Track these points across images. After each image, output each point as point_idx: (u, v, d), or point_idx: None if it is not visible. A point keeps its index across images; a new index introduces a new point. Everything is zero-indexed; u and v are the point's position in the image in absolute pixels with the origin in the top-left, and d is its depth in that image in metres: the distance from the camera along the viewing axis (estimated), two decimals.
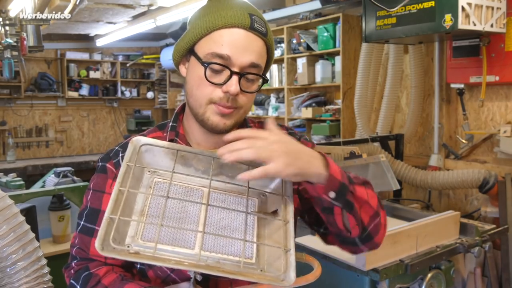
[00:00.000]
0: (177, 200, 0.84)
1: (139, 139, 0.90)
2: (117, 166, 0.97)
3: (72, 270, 0.95)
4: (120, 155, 0.99)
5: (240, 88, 0.91)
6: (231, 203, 0.87)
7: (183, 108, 1.06)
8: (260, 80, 0.96)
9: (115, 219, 0.74)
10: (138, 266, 0.99)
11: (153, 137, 0.99)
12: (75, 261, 0.96)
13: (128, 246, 0.74)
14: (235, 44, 0.90)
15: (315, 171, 0.82)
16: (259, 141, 0.80)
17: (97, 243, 0.70)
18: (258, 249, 0.78)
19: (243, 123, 1.06)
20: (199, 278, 0.80)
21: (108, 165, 0.99)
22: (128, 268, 0.98)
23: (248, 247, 0.78)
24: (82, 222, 0.97)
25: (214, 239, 0.79)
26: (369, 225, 0.93)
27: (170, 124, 1.04)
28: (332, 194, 0.84)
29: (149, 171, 0.88)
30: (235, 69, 0.90)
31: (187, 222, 0.81)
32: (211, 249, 0.78)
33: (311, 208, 0.99)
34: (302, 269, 0.85)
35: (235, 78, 0.90)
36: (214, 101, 0.92)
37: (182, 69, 1.00)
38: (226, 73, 0.91)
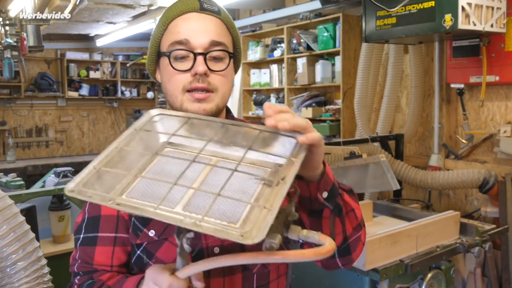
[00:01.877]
0: (179, 165, 0.77)
1: (154, 110, 0.88)
2: None
3: (76, 286, 0.92)
4: None
5: (209, 68, 0.92)
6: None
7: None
8: (229, 58, 0.95)
9: (97, 169, 0.72)
10: (132, 272, 0.95)
11: None
12: (78, 277, 0.93)
13: (110, 200, 0.69)
14: (190, 27, 0.92)
15: (320, 159, 0.81)
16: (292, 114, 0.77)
17: (69, 185, 0.68)
18: (247, 216, 0.68)
19: (230, 118, 1.04)
20: (187, 248, 0.72)
21: None
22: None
23: (236, 212, 0.68)
24: (81, 235, 0.94)
25: (200, 201, 0.71)
26: (351, 237, 0.92)
27: None
28: (325, 194, 0.83)
29: (162, 141, 0.84)
30: (198, 51, 0.91)
31: (178, 181, 0.74)
32: (193, 210, 0.69)
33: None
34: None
35: (200, 58, 0.91)
36: (186, 88, 0.92)
37: (158, 76, 1.02)
38: (191, 57, 0.92)
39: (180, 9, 0.94)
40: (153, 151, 0.81)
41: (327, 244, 0.67)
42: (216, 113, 0.95)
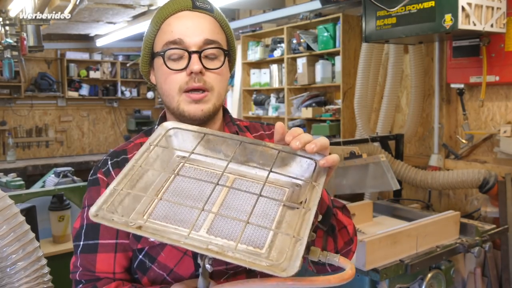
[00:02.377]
0: (197, 183, 0.78)
1: (168, 123, 0.86)
2: (107, 174, 0.94)
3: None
4: (109, 163, 0.96)
5: (204, 67, 0.91)
6: (256, 190, 0.79)
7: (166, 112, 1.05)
8: (224, 56, 0.95)
9: (118, 190, 0.71)
10: (135, 276, 0.94)
11: (139, 143, 0.98)
12: (80, 285, 0.90)
13: (131, 222, 0.69)
14: (184, 26, 0.91)
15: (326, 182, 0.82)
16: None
17: (92, 209, 0.67)
18: (273, 240, 0.70)
19: (228, 118, 1.04)
20: (209, 268, 0.71)
21: (98, 175, 0.96)
22: (133, 281, 0.93)
23: (261, 236, 0.70)
24: (81, 242, 0.92)
25: (224, 224, 0.72)
26: (342, 250, 0.95)
27: (155, 128, 1.02)
28: (319, 217, 0.84)
29: (178, 156, 0.84)
30: (192, 49, 0.90)
31: (199, 203, 0.75)
32: (218, 234, 0.71)
33: None
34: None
35: (194, 56, 0.90)
36: (183, 88, 0.91)
37: (152, 78, 1.00)
38: (186, 56, 0.91)
39: (172, 8, 0.93)
40: (171, 169, 0.81)
41: (349, 269, 0.69)
42: (213, 113, 0.94)
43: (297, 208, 0.74)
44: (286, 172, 0.81)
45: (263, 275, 0.64)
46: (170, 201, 0.74)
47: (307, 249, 0.73)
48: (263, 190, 0.75)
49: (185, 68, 0.91)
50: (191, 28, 0.91)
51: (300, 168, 0.81)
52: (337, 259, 0.73)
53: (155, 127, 1.01)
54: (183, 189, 0.78)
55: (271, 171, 0.78)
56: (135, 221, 0.70)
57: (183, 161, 0.83)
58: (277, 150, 0.81)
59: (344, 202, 2.58)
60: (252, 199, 0.75)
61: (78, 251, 0.92)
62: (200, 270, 0.75)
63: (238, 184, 0.80)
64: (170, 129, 0.85)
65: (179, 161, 0.83)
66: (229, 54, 0.99)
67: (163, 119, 1.04)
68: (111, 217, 0.68)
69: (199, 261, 0.72)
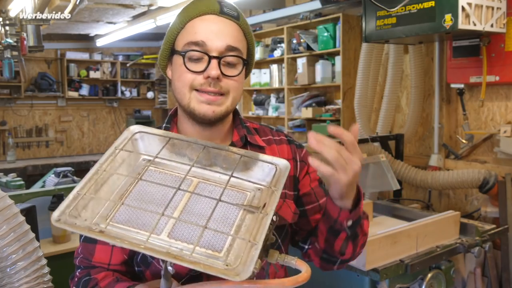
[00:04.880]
0: (161, 187, 0.80)
1: (134, 127, 0.88)
2: None
3: (76, 279, 0.96)
4: None
5: (222, 73, 0.91)
6: (218, 194, 0.80)
7: (176, 110, 1.07)
8: (242, 64, 0.96)
9: (81, 195, 0.72)
10: (137, 269, 0.98)
11: None
12: (79, 270, 0.97)
13: (94, 225, 0.71)
14: (208, 29, 0.92)
15: (351, 197, 0.88)
16: (345, 152, 0.79)
17: (55, 214, 0.69)
18: (231, 244, 0.72)
19: (238, 121, 1.05)
20: (171, 270, 0.73)
21: None
22: (130, 273, 0.97)
23: (220, 240, 0.72)
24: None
25: (184, 228, 0.74)
26: (358, 254, 1.03)
27: (164, 125, 1.04)
28: (349, 223, 0.90)
29: (143, 160, 0.85)
30: (213, 54, 0.91)
31: (161, 207, 0.76)
32: (179, 238, 0.72)
33: (305, 227, 1.06)
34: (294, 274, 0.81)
35: (214, 62, 0.91)
36: (195, 87, 0.92)
37: (169, 73, 1.01)
38: (205, 60, 0.91)
39: (199, 9, 0.94)
40: (135, 173, 0.83)
41: (304, 272, 0.72)
42: (224, 116, 0.96)
43: (259, 215, 0.76)
44: (248, 176, 0.84)
45: (221, 278, 0.66)
46: (132, 206, 0.75)
47: (266, 252, 0.75)
48: (224, 195, 0.78)
49: (202, 71, 0.91)
50: (214, 32, 0.92)
51: (262, 172, 0.84)
52: (294, 262, 0.76)
53: (163, 125, 1.04)
54: (146, 193, 0.79)
55: (231, 176, 0.81)
56: (98, 225, 0.71)
57: (148, 165, 0.84)
58: (239, 154, 0.84)
59: None
60: (213, 203, 0.77)
61: (81, 240, 0.97)
62: (162, 272, 0.77)
63: (201, 188, 0.82)
64: (136, 132, 0.87)
65: (145, 164, 0.85)
66: (248, 63, 0.99)
67: (173, 117, 1.06)
68: (73, 222, 0.70)
69: (161, 263, 0.75)
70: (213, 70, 0.90)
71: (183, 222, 0.74)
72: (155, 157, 0.82)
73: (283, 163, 0.85)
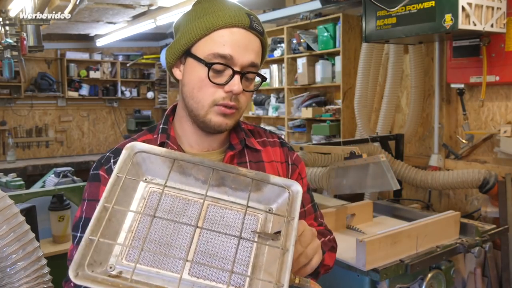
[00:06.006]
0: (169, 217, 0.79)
1: (133, 146, 0.81)
2: (109, 172, 0.95)
3: (71, 283, 0.93)
4: (112, 161, 0.97)
5: (243, 89, 0.92)
6: (230, 219, 0.80)
7: (173, 110, 1.05)
8: (256, 79, 0.97)
9: (95, 241, 0.68)
10: None
11: (143, 140, 0.98)
12: None
13: (111, 267, 0.69)
14: (237, 43, 0.91)
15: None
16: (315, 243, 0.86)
17: (71, 269, 0.64)
18: (251, 279, 0.73)
19: (236, 123, 1.05)
20: None
21: (100, 172, 0.97)
22: None
23: (242, 278, 0.73)
24: (78, 234, 0.94)
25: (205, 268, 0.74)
26: (322, 274, 1.04)
27: (161, 126, 1.02)
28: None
29: (145, 179, 0.82)
30: (237, 69, 0.91)
31: (176, 242, 0.75)
32: (199, 275, 0.72)
33: None
34: None
35: (237, 77, 0.90)
36: (217, 102, 0.92)
37: (177, 72, 0.99)
38: (228, 73, 0.91)
39: (229, 20, 0.91)
40: (145, 205, 0.79)
41: None
42: (232, 127, 0.98)
43: (274, 242, 0.77)
44: (259, 196, 0.83)
45: None
46: (149, 251, 0.73)
47: None
48: (237, 218, 0.79)
49: (224, 84, 0.91)
50: (242, 47, 0.91)
51: (273, 192, 0.83)
52: (309, 284, 0.80)
53: (160, 125, 1.02)
54: (160, 227, 0.77)
55: (247, 206, 0.80)
56: (114, 266, 0.71)
57: (159, 196, 0.80)
58: (250, 178, 0.82)
59: (344, 202, 2.58)
60: (233, 240, 0.77)
61: (75, 242, 0.95)
62: None
63: (213, 211, 0.81)
64: (137, 152, 0.81)
65: (147, 185, 0.81)
66: (263, 79, 1.00)
67: (169, 117, 1.04)
68: (92, 275, 0.67)
69: None
70: (236, 86, 0.90)
71: (203, 257, 0.75)
72: (164, 187, 0.79)
73: (295, 187, 0.83)
